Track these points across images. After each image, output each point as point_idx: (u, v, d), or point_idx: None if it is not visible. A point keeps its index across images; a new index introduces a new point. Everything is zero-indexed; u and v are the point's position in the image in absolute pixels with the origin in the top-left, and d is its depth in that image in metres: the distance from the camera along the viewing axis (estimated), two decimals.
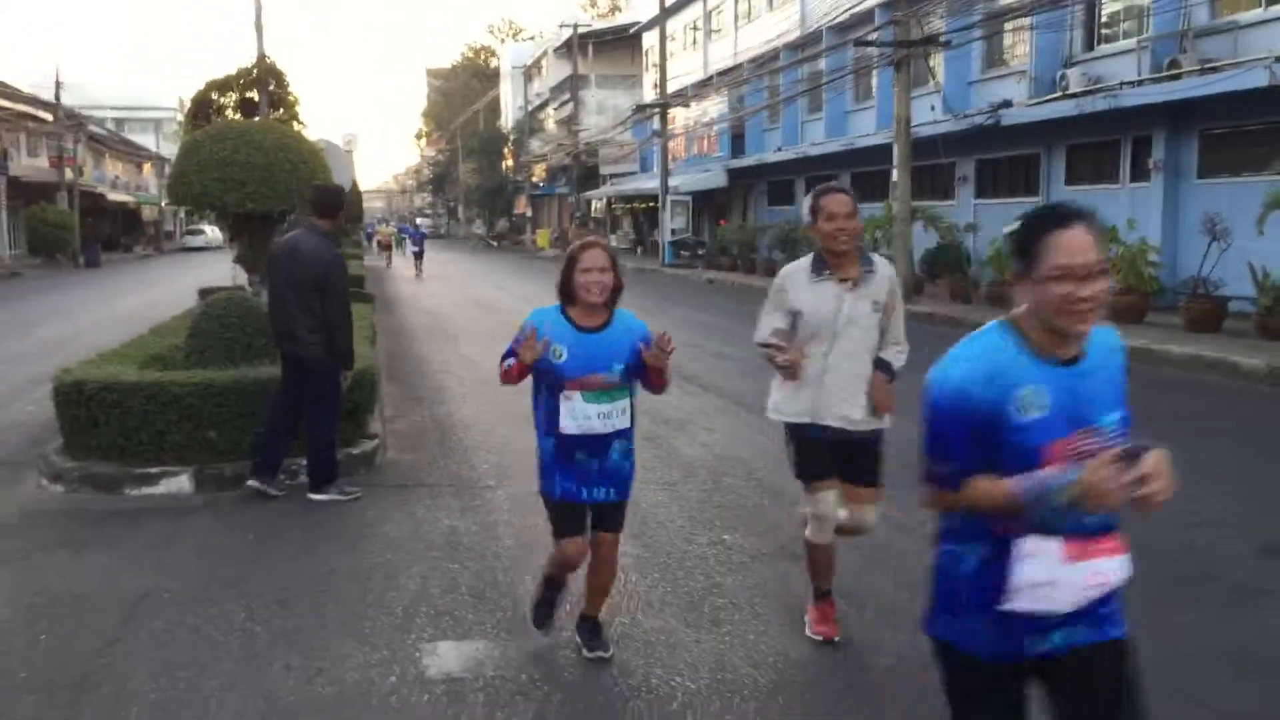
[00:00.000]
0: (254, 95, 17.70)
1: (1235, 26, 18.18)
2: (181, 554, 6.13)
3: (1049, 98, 21.47)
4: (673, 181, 39.70)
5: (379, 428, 8.74)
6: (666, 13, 42.31)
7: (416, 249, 37.65)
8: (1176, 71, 18.42)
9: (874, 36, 24.11)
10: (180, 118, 70.32)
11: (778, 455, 8.30)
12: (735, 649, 4.66)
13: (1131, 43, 20.24)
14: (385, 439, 8.76)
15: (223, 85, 18.53)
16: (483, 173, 77.44)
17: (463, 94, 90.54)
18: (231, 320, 8.24)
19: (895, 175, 21.68)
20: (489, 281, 32.73)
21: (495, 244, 69.16)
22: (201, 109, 18.41)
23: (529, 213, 69.39)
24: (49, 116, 44.87)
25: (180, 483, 7.29)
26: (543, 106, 69.29)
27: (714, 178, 39.18)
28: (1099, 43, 21.85)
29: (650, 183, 42.69)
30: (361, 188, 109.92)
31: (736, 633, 4.84)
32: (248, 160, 11.16)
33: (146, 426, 7.34)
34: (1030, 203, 22.52)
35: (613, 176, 53.61)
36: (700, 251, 37.34)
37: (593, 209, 58.55)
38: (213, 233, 64.45)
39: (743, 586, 5.46)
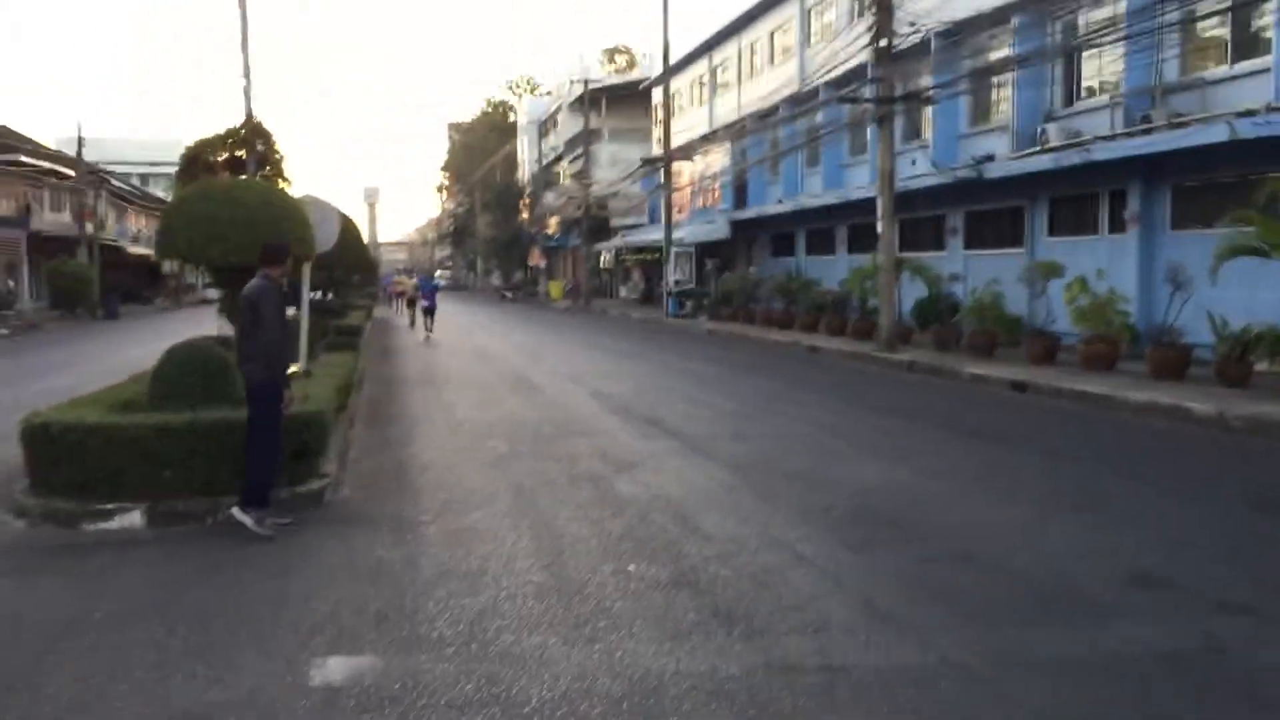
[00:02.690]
0: (242, 153, 18.47)
1: (1203, 83, 18.67)
2: (122, 581, 6.60)
3: (1028, 152, 21.98)
4: (678, 233, 40.35)
5: (333, 468, 9.20)
6: (671, 70, 43.24)
7: (427, 304, 30.79)
8: (1148, 126, 18.89)
9: (864, 93, 24.72)
10: None
11: (711, 494, 8.74)
12: (601, 664, 5.06)
13: (1106, 98, 20.74)
14: (342, 479, 9.25)
15: (212, 144, 19.46)
16: (499, 225, 78.71)
17: (482, 147, 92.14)
18: (194, 366, 8.76)
19: (880, 227, 22.13)
20: (493, 331, 33.39)
21: (510, 295, 70.06)
22: (191, 166, 19.30)
23: (543, 264, 70.31)
24: (71, 173, 46.13)
25: (133, 518, 7.78)
26: (557, 160, 70.50)
27: (718, 229, 39.80)
28: (1077, 98, 22.37)
29: (658, 234, 43.43)
30: (381, 240, 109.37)
31: (607, 649, 5.24)
32: (230, 216, 11.70)
33: (104, 465, 7.84)
34: (1016, 254, 22.98)
35: (623, 228, 54.44)
36: (704, 302, 37.89)
37: (603, 260, 59.37)
38: None
39: (629, 610, 5.85)
